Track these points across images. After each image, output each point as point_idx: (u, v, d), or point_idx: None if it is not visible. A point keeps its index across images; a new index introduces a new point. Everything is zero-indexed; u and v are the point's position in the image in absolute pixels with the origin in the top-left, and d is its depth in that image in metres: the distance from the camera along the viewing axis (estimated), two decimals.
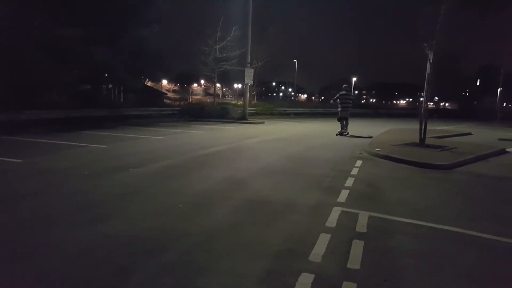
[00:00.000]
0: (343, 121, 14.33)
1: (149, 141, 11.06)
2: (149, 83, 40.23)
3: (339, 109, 14.36)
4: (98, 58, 16.63)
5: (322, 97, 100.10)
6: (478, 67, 61.24)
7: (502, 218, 4.70)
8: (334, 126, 19.97)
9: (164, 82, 58.22)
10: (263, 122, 20.48)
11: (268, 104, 33.01)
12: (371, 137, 13.11)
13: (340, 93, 14.36)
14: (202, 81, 57.88)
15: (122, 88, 25.32)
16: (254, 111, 26.01)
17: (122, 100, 25.84)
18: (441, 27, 9.16)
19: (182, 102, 32.30)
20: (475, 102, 63.89)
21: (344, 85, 14.82)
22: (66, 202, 4.68)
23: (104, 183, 5.64)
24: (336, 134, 14.37)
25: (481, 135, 16.82)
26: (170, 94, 53.81)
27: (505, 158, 9.77)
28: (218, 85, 42.74)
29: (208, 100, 33.18)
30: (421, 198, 5.45)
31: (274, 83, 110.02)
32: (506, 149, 10.94)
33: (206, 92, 55.63)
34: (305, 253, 3.31)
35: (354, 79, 65.30)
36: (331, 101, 15.88)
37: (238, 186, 5.71)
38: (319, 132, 16.27)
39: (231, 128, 16.32)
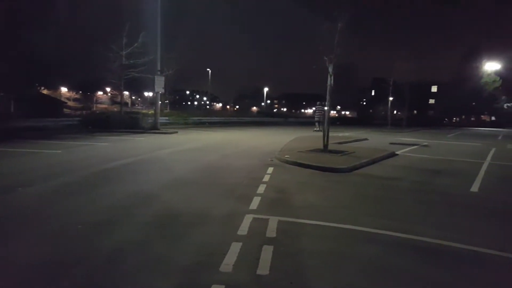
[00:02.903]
0: (318, 123, 23.31)
1: (44, 155, 9.85)
2: (45, 91, 36.13)
3: (316, 116, 24.02)
4: None
5: (237, 106, 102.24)
6: (372, 79, 69.84)
7: (395, 215, 5.28)
8: (249, 134, 20.78)
9: (64, 90, 52.72)
10: (176, 132, 19.95)
11: (182, 113, 32.21)
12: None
13: (316, 107, 24.12)
14: (108, 89, 53.97)
15: (12, 97, 22.20)
16: (167, 121, 25.18)
17: (12, 110, 22.68)
18: (339, 43, 10.13)
19: (85, 112, 29.44)
20: (370, 111, 72.40)
21: (318, 102, 23.92)
22: None
23: None
24: (313, 131, 22.98)
25: (376, 140, 18.94)
26: (71, 103, 48.88)
27: (396, 160, 11.13)
28: (126, 93, 40.29)
29: (115, 109, 30.91)
30: (325, 200, 5.88)
31: (188, 92, 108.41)
32: (396, 152, 12.52)
33: (113, 101, 51.82)
34: (216, 264, 3.28)
35: (266, 89, 68.39)
36: (312, 112, 25.56)
37: (147, 201, 5.42)
38: (234, 140, 16.47)
39: (141, 139, 15.51)
